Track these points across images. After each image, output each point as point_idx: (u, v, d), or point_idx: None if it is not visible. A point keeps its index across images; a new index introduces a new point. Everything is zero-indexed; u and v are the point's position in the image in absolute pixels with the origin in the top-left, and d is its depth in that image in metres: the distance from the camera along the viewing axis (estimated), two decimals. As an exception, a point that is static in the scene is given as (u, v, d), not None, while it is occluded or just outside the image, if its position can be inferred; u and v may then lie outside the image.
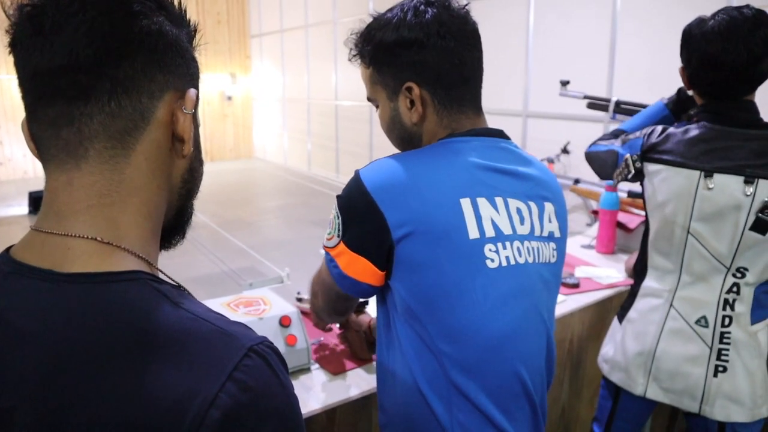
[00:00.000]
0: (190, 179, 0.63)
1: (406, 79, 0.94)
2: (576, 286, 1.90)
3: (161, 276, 0.56)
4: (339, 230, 0.92)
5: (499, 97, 5.43)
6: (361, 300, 1.51)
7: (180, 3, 0.60)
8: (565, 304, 1.81)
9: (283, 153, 10.52)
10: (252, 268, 4.75)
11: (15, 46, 0.51)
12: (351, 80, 8.02)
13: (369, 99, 1.03)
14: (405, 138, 1.00)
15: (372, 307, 1.52)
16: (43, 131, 0.52)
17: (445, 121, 0.97)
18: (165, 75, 0.55)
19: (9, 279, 0.51)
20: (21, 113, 0.54)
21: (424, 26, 0.90)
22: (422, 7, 0.92)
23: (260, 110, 11.18)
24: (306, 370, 1.42)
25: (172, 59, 0.56)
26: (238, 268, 4.70)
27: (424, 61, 0.91)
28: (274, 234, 6.10)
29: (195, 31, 0.61)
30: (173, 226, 0.64)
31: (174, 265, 4.87)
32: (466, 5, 0.97)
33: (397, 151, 1.03)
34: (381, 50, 0.94)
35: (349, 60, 1.01)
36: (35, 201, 6.46)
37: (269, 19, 10.26)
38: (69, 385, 0.45)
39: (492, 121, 0.99)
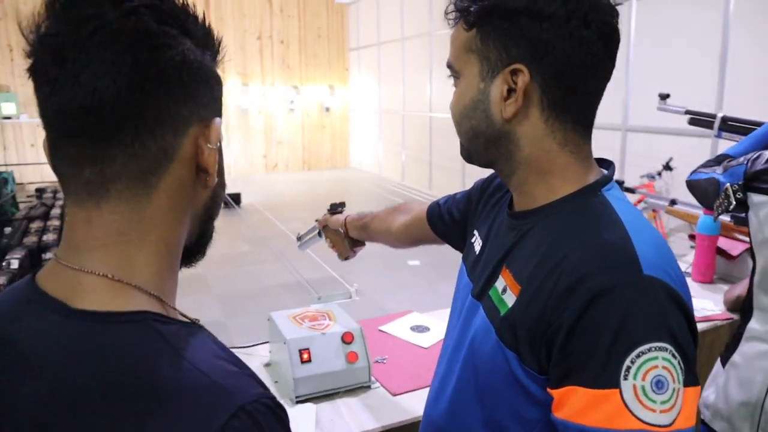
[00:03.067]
0: (212, 206, 0.61)
1: (516, 58, 0.69)
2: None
3: (176, 314, 0.55)
4: (680, 375, 0.59)
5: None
6: (337, 203, 1.55)
7: (204, 19, 0.57)
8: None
9: (378, 164, 10.66)
10: (331, 279, 4.82)
11: (36, 76, 0.50)
12: (446, 93, 7.99)
13: (449, 66, 0.79)
14: (485, 134, 0.75)
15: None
16: (65, 168, 0.51)
17: (559, 137, 0.72)
18: (189, 107, 0.53)
19: (29, 305, 0.52)
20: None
21: (569, 2, 0.67)
22: None
23: (357, 121, 11.42)
24: (365, 387, 1.41)
25: (196, 89, 0.53)
26: (313, 279, 4.75)
27: (551, 45, 0.68)
28: (363, 244, 6.18)
29: (219, 45, 0.58)
30: (193, 249, 0.63)
31: (256, 272, 5.07)
32: (621, 2, 0.74)
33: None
34: (498, 13, 0.70)
35: (446, 15, 0.77)
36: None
37: (367, 32, 10.48)
38: (58, 424, 0.45)
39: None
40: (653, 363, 0.58)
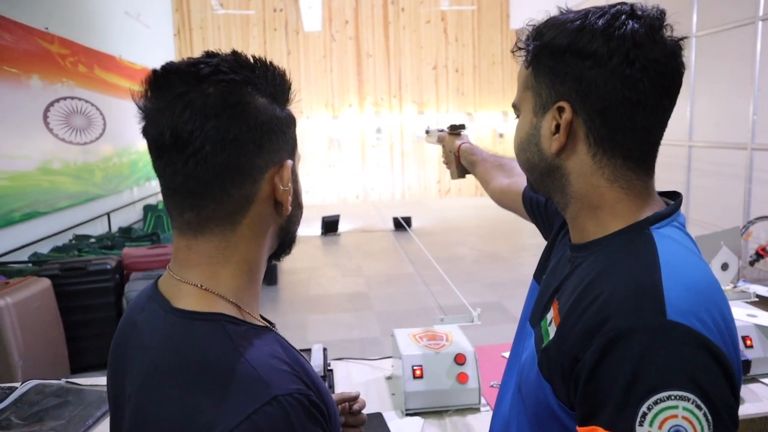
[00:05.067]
0: (287, 226, 0.73)
1: (563, 95, 0.72)
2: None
3: (253, 319, 0.67)
4: (705, 429, 0.57)
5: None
6: (457, 124, 1.52)
7: (274, 71, 0.68)
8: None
9: (551, 190, 10.33)
10: (494, 305, 4.81)
11: (146, 138, 0.64)
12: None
13: (514, 105, 0.84)
14: (539, 167, 0.79)
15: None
16: (171, 210, 0.66)
17: (608, 173, 0.73)
18: (264, 157, 0.65)
19: (149, 300, 0.69)
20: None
21: (611, 40, 0.68)
22: (623, 17, 0.69)
23: (531, 147, 11.20)
24: (475, 409, 1.46)
25: (268, 141, 0.65)
26: (473, 303, 4.79)
27: (594, 83, 0.69)
28: (525, 271, 6.07)
29: (289, 92, 0.70)
30: (277, 252, 0.75)
31: (417, 293, 5.23)
32: (683, 38, 0.71)
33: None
34: (546, 52, 0.73)
35: (512, 52, 0.81)
36: (327, 225, 7.75)
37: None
38: (148, 392, 0.60)
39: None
40: (672, 412, 0.56)
